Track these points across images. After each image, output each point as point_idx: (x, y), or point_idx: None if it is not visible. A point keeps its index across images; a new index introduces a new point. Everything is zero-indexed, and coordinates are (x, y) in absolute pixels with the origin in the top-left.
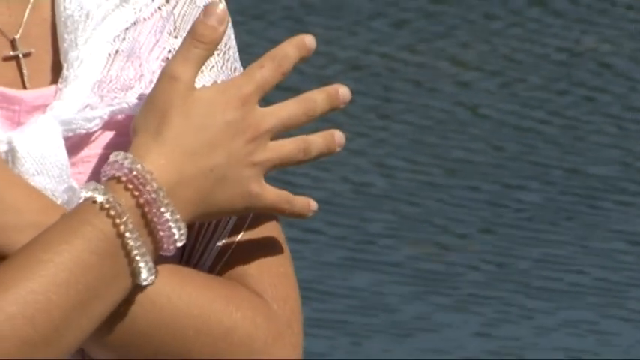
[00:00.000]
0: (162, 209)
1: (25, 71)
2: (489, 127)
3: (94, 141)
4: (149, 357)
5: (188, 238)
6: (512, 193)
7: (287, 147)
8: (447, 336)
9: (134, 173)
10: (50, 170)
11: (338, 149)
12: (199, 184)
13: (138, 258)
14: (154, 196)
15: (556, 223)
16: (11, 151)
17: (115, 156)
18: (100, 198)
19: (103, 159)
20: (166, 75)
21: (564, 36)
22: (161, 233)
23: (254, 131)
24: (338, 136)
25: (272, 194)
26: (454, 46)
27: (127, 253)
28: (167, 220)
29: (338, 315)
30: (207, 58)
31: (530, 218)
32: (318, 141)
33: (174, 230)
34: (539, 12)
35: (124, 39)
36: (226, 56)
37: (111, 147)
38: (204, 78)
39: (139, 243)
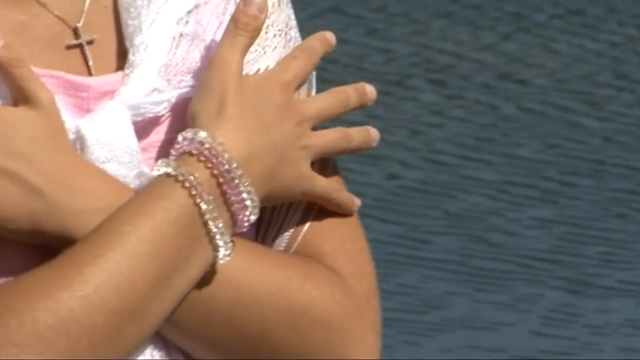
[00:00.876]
0: (236, 180)
1: (89, 59)
2: (536, 121)
3: (161, 125)
4: (229, 337)
5: (261, 221)
6: (565, 189)
7: (329, 135)
8: (502, 335)
9: (206, 146)
10: (120, 156)
11: (374, 144)
12: (267, 158)
13: (215, 230)
14: (227, 167)
15: (611, 220)
16: (80, 139)
17: (185, 133)
18: (173, 171)
19: (172, 142)
20: (218, 60)
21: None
22: (235, 206)
23: (299, 116)
24: (373, 132)
25: (323, 181)
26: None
27: (204, 224)
28: (241, 192)
29: (393, 313)
30: (251, 44)
31: (585, 216)
32: (355, 133)
33: (248, 202)
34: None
35: (187, 22)
36: (288, 36)
37: (179, 130)
38: (267, 59)
39: (215, 214)
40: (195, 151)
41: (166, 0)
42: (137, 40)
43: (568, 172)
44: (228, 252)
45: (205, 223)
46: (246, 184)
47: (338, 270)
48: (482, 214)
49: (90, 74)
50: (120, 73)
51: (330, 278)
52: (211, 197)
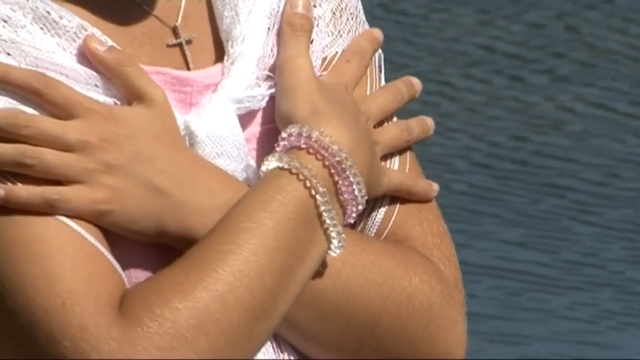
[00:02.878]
0: (347, 171)
1: (188, 54)
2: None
3: (257, 116)
4: (337, 329)
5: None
6: None
7: (392, 129)
8: None
9: (313, 139)
10: (229, 151)
11: (431, 132)
12: (365, 148)
13: (328, 221)
14: (337, 158)
15: None
16: (189, 134)
17: (289, 129)
18: (286, 165)
19: (271, 133)
20: (291, 64)
21: None
22: (346, 196)
23: (366, 112)
24: (429, 121)
25: (396, 172)
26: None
27: (319, 216)
28: (351, 183)
29: None
30: (309, 41)
31: None
32: (413, 124)
33: (357, 192)
34: None
35: (277, 13)
36: (358, 19)
37: (274, 121)
38: (343, 42)
39: (329, 206)
40: (304, 145)
41: None
42: (235, 32)
43: None
44: (341, 244)
45: (320, 215)
46: (355, 173)
47: (429, 254)
48: None
49: (188, 70)
50: (219, 66)
51: (426, 264)
52: (325, 189)
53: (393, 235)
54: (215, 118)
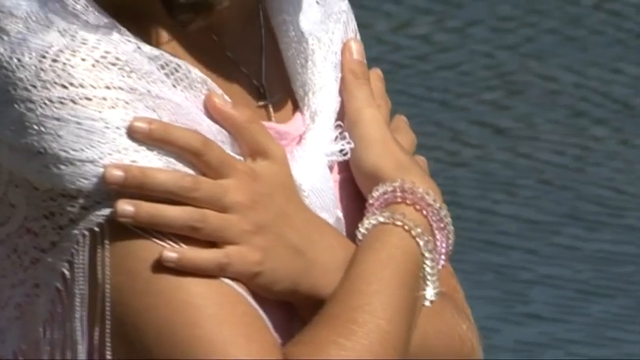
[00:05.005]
0: (444, 220)
1: (271, 108)
2: None
3: (337, 165)
4: None
5: None
6: None
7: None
8: None
9: (410, 192)
10: (328, 203)
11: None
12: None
13: (429, 270)
14: (434, 207)
15: None
16: (297, 188)
17: (385, 186)
18: (392, 220)
19: (345, 181)
20: (366, 114)
21: None
22: (441, 244)
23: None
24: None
25: None
26: None
27: (424, 267)
28: (449, 231)
29: None
30: (371, 87)
31: None
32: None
33: (450, 241)
34: None
35: (339, 62)
36: (342, 21)
37: (346, 170)
38: (341, 35)
39: (432, 256)
40: (400, 199)
41: (329, 45)
42: (312, 84)
43: None
44: (435, 291)
45: (424, 265)
46: (449, 222)
47: (452, 293)
48: None
49: (269, 120)
50: (299, 117)
51: (460, 306)
52: (428, 238)
53: None
54: (313, 172)
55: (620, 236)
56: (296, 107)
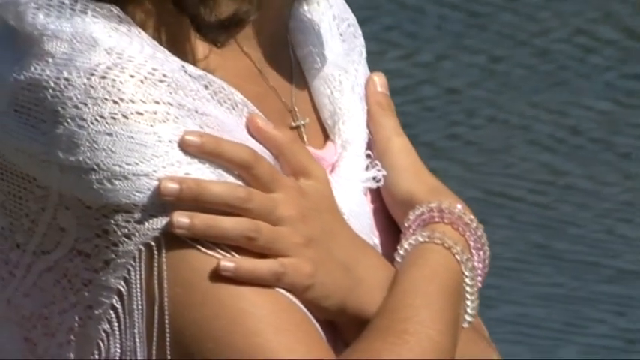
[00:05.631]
0: (482, 239)
1: (304, 135)
2: None
3: (370, 194)
4: None
5: None
6: None
7: None
8: None
9: (447, 211)
10: (366, 228)
11: None
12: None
13: (468, 289)
14: (472, 226)
15: None
16: None
17: (422, 207)
18: (430, 238)
19: (378, 212)
20: (397, 143)
21: None
22: (477, 264)
23: None
24: None
25: None
26: None
27: (464, 286)
28: (485, 251)
29: None
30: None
31: None
32: None
33: (487, 261)
34: None
35: (364, 94)
36: (363, 55)
37: (378, 200)
38: (364, 68)
39: (472, 274)
40: (438, 219)
41: (355, 77)
42: (342, 113)
43: None
44: (474, 312)
45: (463, 283)
46: (485, 241)
47: (478, 324)
48: None
49: None
50: (331, 145)
51: (488, 338)
52: (467, 257)
53: None
54: (350, 197)
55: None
56: (326, 137)
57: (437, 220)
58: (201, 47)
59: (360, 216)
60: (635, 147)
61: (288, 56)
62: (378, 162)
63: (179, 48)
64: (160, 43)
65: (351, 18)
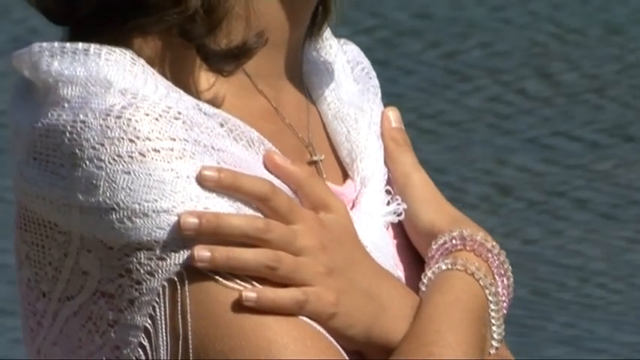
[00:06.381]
0: (505, 264)
1: (323, 172)
2: None
3: (392, 230)
4: None
5: None
6: None
7: None
8: None
9: (470, 239)
10: (389, 260)
11: None
12: None
13: (494, 315)
14: (495, 252)
15: None
16: None
17: (444, 236)
18: (454, 265)
19: (401, 247)
20: (415, 177)
21: None
22: (501, 290)
23: None
24: None
25: None
26: None
27: (489, 313)
28: (509, 277)
29: None
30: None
31: None
32: None
33: (511, 287)
34: None
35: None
36: (378, 95)
37: (400, 236)
38: (379, 107)
39: (496, 299)
40: (460, 247)
41: (371, 115)
42: (359, 150)
43: None
44: (500, 337)
45: (489, 310)
46: (509, 267)
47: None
48: None
49: None
50: (350, 182)
51: None
52: (490, 282)
53: None
54: (372, 231)
55: None
56: (344, 174)
57: (459, 247)
58: (210, 80)
59: (382, 249)
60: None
61: (303, 96)
62: (398, 197)
63: (187, 81)
64: (169, 78)
65: (366, 62)
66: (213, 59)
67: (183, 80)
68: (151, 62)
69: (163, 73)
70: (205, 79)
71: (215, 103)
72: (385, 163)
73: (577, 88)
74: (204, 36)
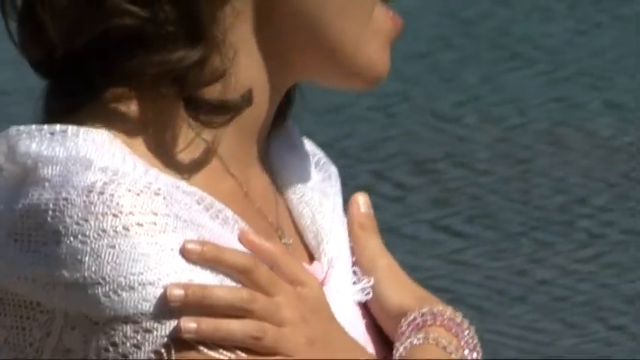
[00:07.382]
0: (474, 339)
1: (291, 253)
2: None
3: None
4: None
5: None
6: None
7: None
8: None
9: (439, 314)
10: (361, 337)
11: None
12: None
13: None
14: (463, 327)
15: None
16: None
17: (414, 313)
18: (424, 339)
19: (369, 327)
20: (382, 262)
21: None
22: None
23: None
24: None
25: None
26: None
27: None
28: (478, 351)
29: None
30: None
31: None
32: None
33: (478, 356)
34: None
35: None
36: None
37: (367, 315)
38: (339, 192)
39: None
40: (430, 322)
41: (334, 200)
42: (325, 232)
43: None
44: None
45: None
46: (477, 344)
47: None
48: None
49: None
50: (317, 264)
51: None
52: (461, 355)
53: None
54: (343, 308)
55: None
56: (310, 256)
57: (429, 322)
58: (190, 136)
59: (354, 325)
60: None
61: (270, 181)
62: (364, 277)
63: (165, 139)
64: (150, 136)
65: (320, 154)
66: (199, 109)
67: (164, 138)
68: (131, 124)
69: (145, 131)
70: (185, 137)
71: (190, 179)
72: (350, 247)
73: None
74: (200, 86)
